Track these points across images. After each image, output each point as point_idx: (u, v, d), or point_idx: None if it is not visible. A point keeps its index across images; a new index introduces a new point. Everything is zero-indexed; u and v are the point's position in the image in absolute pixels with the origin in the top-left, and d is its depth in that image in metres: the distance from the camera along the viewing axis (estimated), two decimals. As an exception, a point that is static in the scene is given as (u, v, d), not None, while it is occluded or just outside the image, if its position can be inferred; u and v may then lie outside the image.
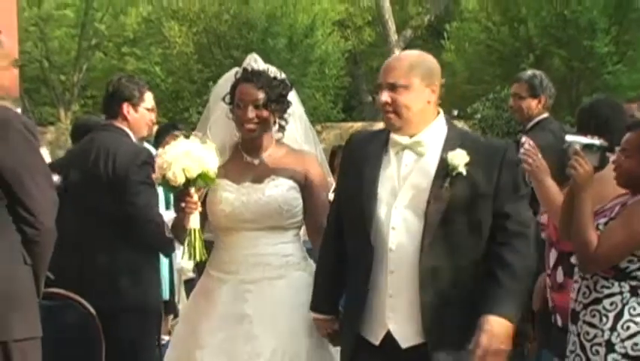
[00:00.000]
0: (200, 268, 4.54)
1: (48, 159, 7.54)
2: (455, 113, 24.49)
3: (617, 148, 4.07)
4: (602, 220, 3.95)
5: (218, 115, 4.10)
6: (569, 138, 4.10)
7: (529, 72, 6.33)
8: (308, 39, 24.27)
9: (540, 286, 4.95)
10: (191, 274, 7.02)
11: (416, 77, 3.46)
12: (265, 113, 3.89)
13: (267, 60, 4.18)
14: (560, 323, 4.71)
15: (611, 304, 3.87)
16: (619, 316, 3.85)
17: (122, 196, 4.70)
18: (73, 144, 7.22)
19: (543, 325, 4.98)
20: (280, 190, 3.90)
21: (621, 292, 3.87)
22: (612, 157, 4.12)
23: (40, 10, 29.14)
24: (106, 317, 4.61)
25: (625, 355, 3.80)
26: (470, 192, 3.44)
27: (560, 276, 4.75)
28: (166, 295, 6.26)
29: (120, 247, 4.75)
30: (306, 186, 3.97)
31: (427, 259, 3.40)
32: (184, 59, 24.93)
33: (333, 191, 3.97)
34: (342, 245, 3.64)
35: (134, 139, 4.98)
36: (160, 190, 5.03)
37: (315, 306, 3.78)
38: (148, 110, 5.00)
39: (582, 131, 4.53)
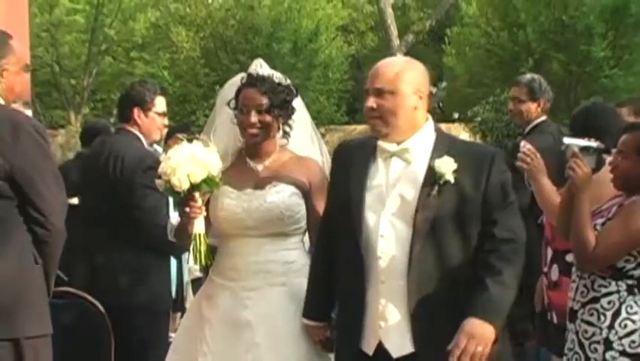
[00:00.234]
0: (207, 267, 4.52)
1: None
2: (456, 116, 24.50)
3: (613, 150, 4.08)
4: (600, 221, 3.94)
5: (223, 119, 4.01)
6: (566, 140, 4.10)
7: (529, 76, 6.31)
8: (312, 44, 24.31)
9: (541, 286, 4.94)
10: (198, 274, 7.01)
11: (403, 83, 3.36)
12: (268, 119, 3.77)
13: (271, 64, 4.14)
14: (555, 320, 4.71)
15: (609, 302, 3.87)
16: (616, 314, 3.84)
17: (129, 200, 4.68)
18: (83, 147, 7.25)
19: (541, 323, 4.97)
20: (282, 196, 3.78)
21: (618, 291, 3.86)
22: (608, 159, 4.12)
23: (52, 16, 29.22)
24: (115, 316, 4.61)
25: (623, 352, 3.80)
26: (458, 199, 3.34)
27: (554, 274, 4.75)
28: (174, 293, 6.25)
29: (129, 248, 4.74)
30: (308, 193, 3.85)
31: (416, 267, 3.30)
32: (191, 64, 24.98)
33: None
34: (333, 252, 3.53)
35: (145, 143, 4.97)
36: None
37: (306, 313, 3.68)
38: (159, 114, 4.98)
39: (576, 134, 4.52)
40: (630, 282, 3.85)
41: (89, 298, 4.62)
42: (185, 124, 8.19)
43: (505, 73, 21.08)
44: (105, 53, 30.52)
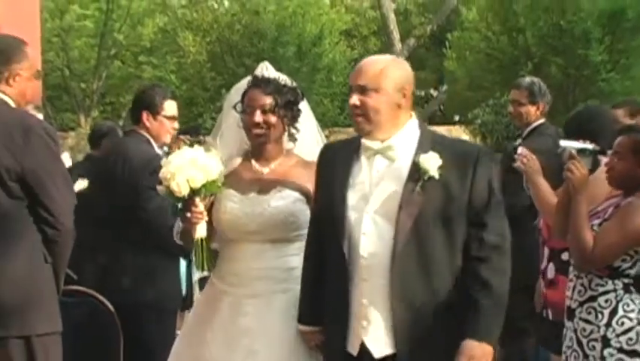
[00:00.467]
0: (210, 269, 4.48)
1: (69, 162, 7.58)
2: (456, 118, 24.50)
3: (608, 152, 4.08)
4: (597, 221, 3.95)
5: (229, 124, 3.90)
6: (562, 143, 4.11)
7: (528, 79, 6.29)
8: (316, 48, 24.29)
9: (540, 287, 4.94)
10: (205, 272, 7.01)
11: (387, 81, 3.26)
12: (272, 119, 3.66)
13: (276, 68, 4.07)
14: (551, 317, 4.72)
15: (606, 301, 3.87)
16: (614, 312, 3.85)
17: (135, 201, 4.68)
18: (91, 149, 7.27)
19: (540, 322, 4.97)
20: (286, 202, 3.64)
21: (615, 290, 3.87)
22: (604, 160, 4.12)
23: (62, 21, 29.24)
24: (123, 314, 4.61)
25: (620, 349, 3.81)
26: (443, 196, 3.22)
27: (551, 272, 4.76)
28: (183, 291, 6.24)
29: (136, 248, 4.74)
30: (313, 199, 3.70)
31: (398, 266, 3.19)
32: (198, 67, 24.98)
33: None
34: (323, 255, 3.42)
35: (155, 146, 4.97)
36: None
37: (299, 318, 3.55)
38: (168, 118, 4.97)
39: (571, 137, 4.53)
40: (626, 281, 3.86)
41: (99, 296, 4.63)
42: (195, 126, 8.18)
43: (504, 76, 21.04)
44: (114, 57, 30.53)
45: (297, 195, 3.69)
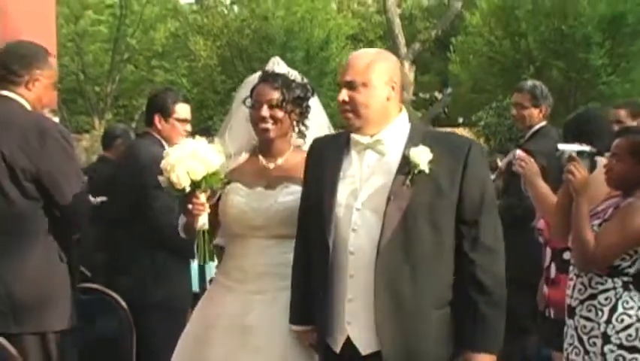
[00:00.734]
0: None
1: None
2: (460, 120, 24.49)
3: (606, 153, 4.08)
4: (596, 222, 3.94)
5: (239, 118, 3.77)
6: (560, 146, 4.09)
7: (530, 83, 6.27)
8: (323, 52, 24.32)
9: (542, 286, 4.94)
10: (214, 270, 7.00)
11: (375, 75, 3.10)
12: (279, 114, 3.52)
13: (285, 72, 4.04)
14: (552, 315, 4.71)
15: (606, 299, 3.87)
16: (613, 309, 3.84)
17: (142, 200, 4.68)
18: (104, 150, 7.28)
19: (542, 320, 4.97)
20: (292, 198, 3.47)
21: (614, 288, 3.86)
22: (602, 162, 4.11)
23: (77, 26, 29.38)
24: (133, 313, 4.62)
25: (620, 345, 3.80)
26: (433, 191, 3.05)
27: (553, 272, 4.75)
28: (195, 287, 6.22)
29: (146, 247, 4.73)
30: None
31: (383, 261, 3.01)
32: (208, 71, 25.02)
33: None
34: (310, 253, 3.26)
35: (167, 147, 4.97)
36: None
37: (290, 318, 3.38)
38: (179, 120, 4.97)
39: (570, 139, 4.53)
40: (626, 279, 3.86)
41: (112, 293, 4.63)
42: (206, 128, 8.16)
43: (507, 80, 21.04)
44: (127, 62, 30.65)
45: None
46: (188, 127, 5.06)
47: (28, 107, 3.98)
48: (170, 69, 28.85)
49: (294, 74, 3.65)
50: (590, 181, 3.94)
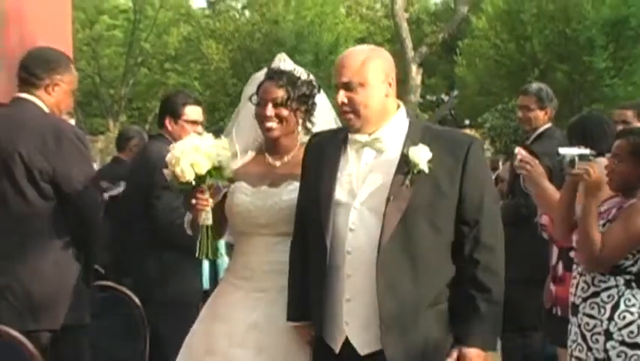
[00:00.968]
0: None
1: (96, 166, 7.63)
2: (467, 122, 24.47)
3: (607, 155, 4.07)
4: (600, 222, 3.93)
5: (245, 115, 3.66)
6: (561, 150, 4.07)
7: (535, 85, 6.25)
8: (332, 55, 24.33)
9: (549, 284, 4.93)
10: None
11: (371, 73, 3.00)
12: (284, 112, 3.40)
13: (294, 75, 3.99)
14: (559, 313, 4.70)
15: (609, 296, 3.86)
16: (615, 307, 3.84)
17: (148, 199, 4.69)
18: (118, 151, 7.31)
19: (547, 317, 4.96)
20: (296, 195, 3.34)
21: (617, 286, 3.86)
22: (603, 162, 4.10)
23: (92, 31, 29.49)
24: (146, 309, 4.62)
25: (622, 342, 3.80)
26: (432, 191, 2.96)
27: (560, 270, 4.75)
28: (207, 284, 6.22)
29: (154, 244, 4.72)
30: None
31: (384, 261, 2.92)
32: (220, 74, 25.11)
33: None
34: (307, 250, 3.17)
35: None
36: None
37: (288, 315, 3.26)
38: (189, 122, 4.97)
39: (573, 141, 4.53)
40: (628, 277, 3.86)
41: (125, 290, 4.63)
42: (217, 129, 8.12)
43: (512, 82, 21.04)
44: (141, 65, 30.74)
45: None
46: (199, 128, 5.04)
47: (46, 109, 3.99)
48: (182, 72, 28.94)
49: (300, 71, 3.55)
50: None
